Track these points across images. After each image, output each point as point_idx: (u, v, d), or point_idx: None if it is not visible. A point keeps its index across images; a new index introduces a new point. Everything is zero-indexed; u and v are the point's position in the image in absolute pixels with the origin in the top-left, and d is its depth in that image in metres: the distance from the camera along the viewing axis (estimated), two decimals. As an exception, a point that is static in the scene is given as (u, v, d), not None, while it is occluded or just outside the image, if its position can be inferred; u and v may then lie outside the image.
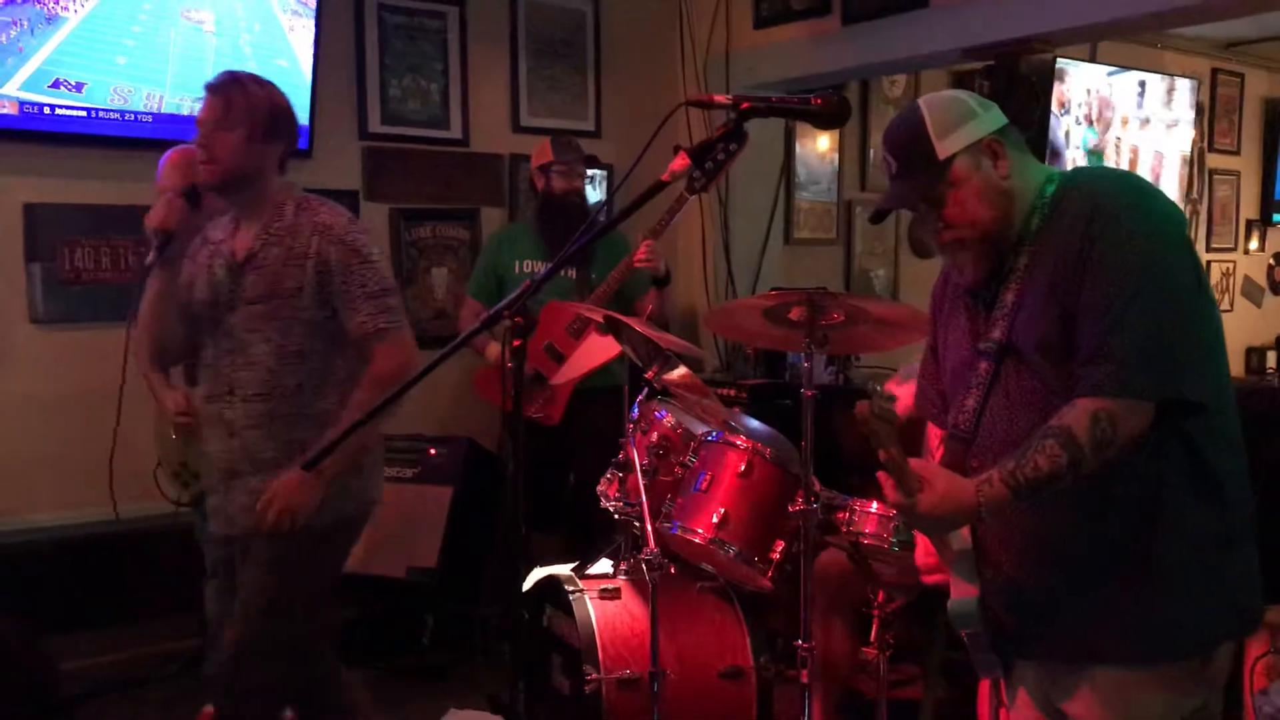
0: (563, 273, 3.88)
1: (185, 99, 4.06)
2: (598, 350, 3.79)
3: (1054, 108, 5.47)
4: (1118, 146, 6.01)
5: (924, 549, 2.00)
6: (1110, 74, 5.91)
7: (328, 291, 2.50)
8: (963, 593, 1.81)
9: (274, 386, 2.51)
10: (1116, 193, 1.71)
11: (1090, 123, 5.79)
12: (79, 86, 3.85)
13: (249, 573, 2.59)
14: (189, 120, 4.01)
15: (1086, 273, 1.65)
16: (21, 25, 3.69)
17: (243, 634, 2.54)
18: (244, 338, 2.52)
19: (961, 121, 1.77)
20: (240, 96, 2.47)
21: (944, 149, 1.75)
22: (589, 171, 4.33)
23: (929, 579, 1.97)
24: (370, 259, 2.53)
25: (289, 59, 4.24)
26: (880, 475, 1.66)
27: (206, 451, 2.63)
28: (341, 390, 2.54)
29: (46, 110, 3.77)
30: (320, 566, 2.63)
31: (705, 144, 1.72)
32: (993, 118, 1.79)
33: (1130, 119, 6.10)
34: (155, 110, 4.02)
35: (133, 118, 3.94)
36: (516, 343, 1.74)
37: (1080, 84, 5.70)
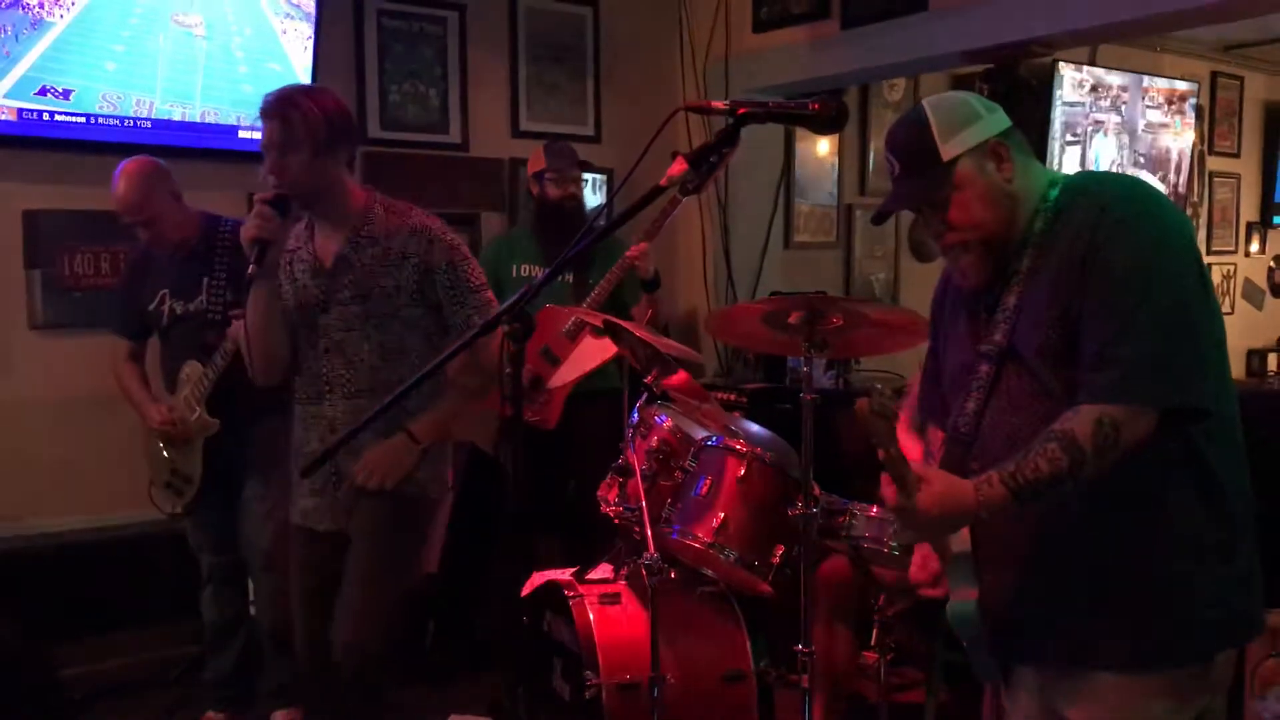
0: (560, 277, 3.89)
1: (176, 105, 4.01)
2: (593, 352, 3.79)
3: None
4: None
5: (919, 563, 2.00)
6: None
7: (428, 290, 2.61)
8: (962, 596, 1.80)
9: (376, 382, 2.60)
10: (1123, 198, 1.70)
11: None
12: (66, 93, 3.80)
13: (353, 560, 2.65)
14: (186, 126, 4.05)
15: (1091, 278, 1.64)
16: (6, 31, 3.64)
17: (358, 621, 2.59)
18: (341, 337, 2.61)
19: (966, 123, 1.76)
20: (296, 116, 2.48)
21: (948, 151, 1.75)
22: (586, 176, 4.33)
23: (925, 593, 1.97)
24: (469, 256, 2.67)
25: (282, 63, 4.19)
26: (884, 477, 1.65)
27: (305, 451, 2.70)
28: (437, 383, 2.63)
29: (46, 117, 3.76)
30: (414, 537, 2.72)
31: (703, 149, 1.71)
32: (997, 120, 1.78)
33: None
34: (147, 116, 3.97)
35: (132, 124, 3.93)
36: (513, 349, 1.74)
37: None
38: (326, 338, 2.63)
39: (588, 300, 3.84)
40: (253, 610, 3.58)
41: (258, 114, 2.54)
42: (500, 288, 4.04)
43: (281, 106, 2.49)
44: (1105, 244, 1.64)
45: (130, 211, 3.26)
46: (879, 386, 1.56)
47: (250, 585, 3.58)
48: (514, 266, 4.06)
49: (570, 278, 3.94)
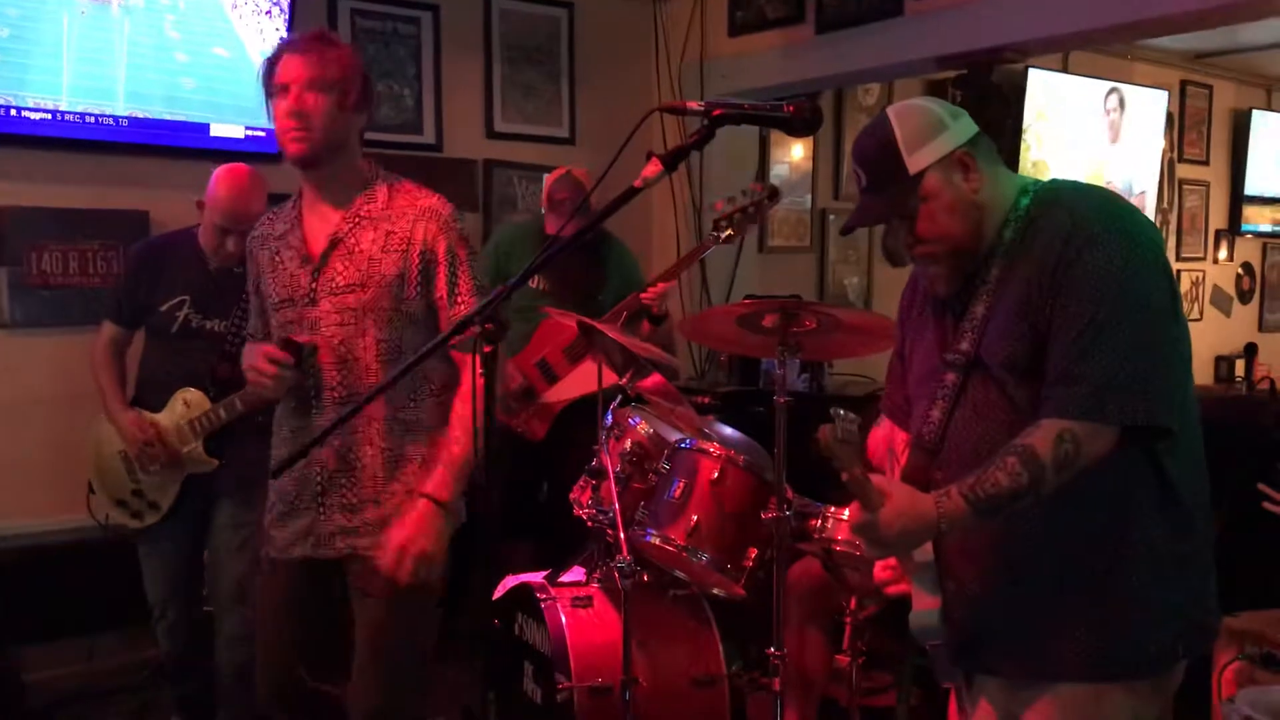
0: (568, 289, 3.83)
1: (93, 105, 3.49)
2: (592, 377, 3.75)
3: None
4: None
5: (883, 561, 2.00)
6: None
7: (433, 282, 2.27)
8: (925, 605, 1.81)
9: (361, 387, 2.24)
10: (1095, 213, 1.69)
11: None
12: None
13: (366, 622, 2.32)
14: (158, 124, 3.98)
15: (1060, 293, 1.64)
16: None
17: (384, 690, 2.31)
18: (332, 333, 2.26)
19: (932, 134, 1.74)
20: (332, 54, 2.20)
21: (915, 163, 1.73)
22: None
23: (889, 591, 1.97)
24: (475, 251, 2.36)
25: (233, 48, 3.64)
26: (854, 505, 1.65)
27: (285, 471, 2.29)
28: (438, 401, 2.33)
29: (13, 113, 3.70)
30: (434, 590, 2.39)
31: (678, 150, 1.71)
32: (963, 128, 1.77)
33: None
34: (52, 110, 3.47)
35: (107, 120, 3.84)
36: (487, 349, 1.73)
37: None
38: (316, 334, 2.27)
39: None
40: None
41: (267, 64, 2.21)
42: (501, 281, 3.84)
43: (316, 41, 2.21)
44: (1075, 259, 1.64)
45: (241, 221, 3.03)
46: (841, 412, 1.55)
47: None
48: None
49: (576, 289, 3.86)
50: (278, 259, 2.34)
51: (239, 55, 3.80)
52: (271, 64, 2.24)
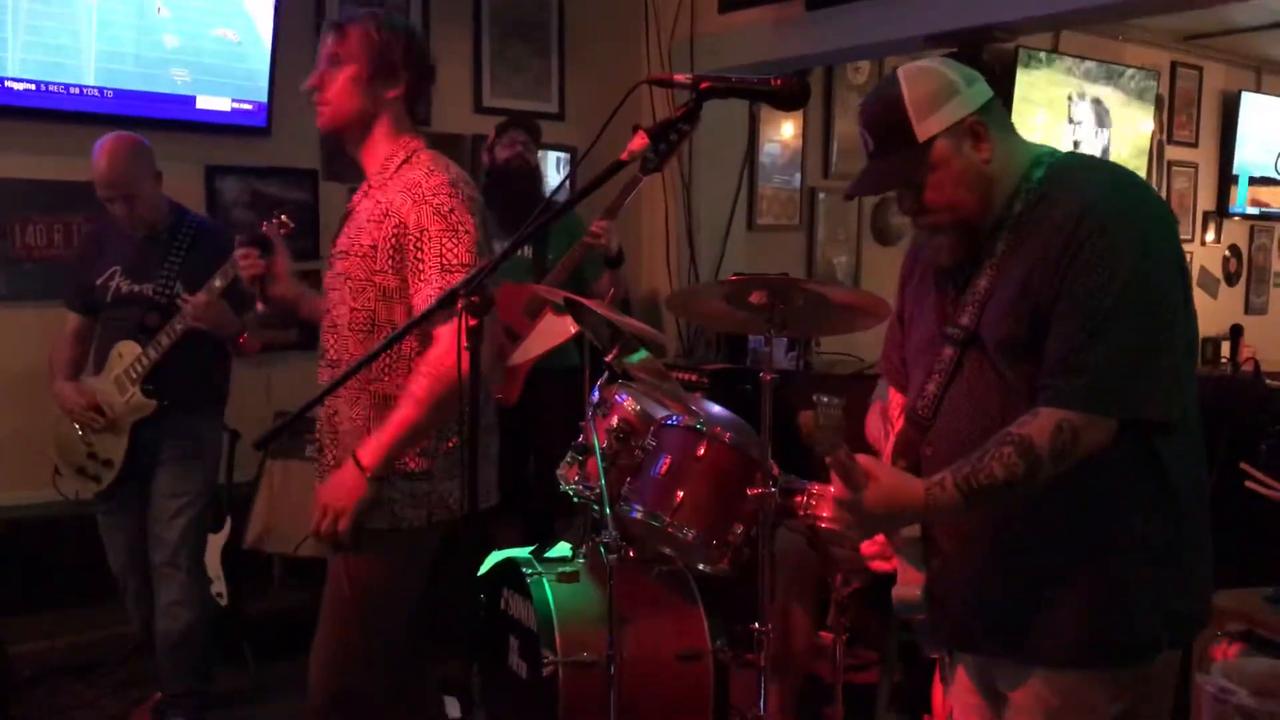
0: (518, 252, 3.86)
1: (42, 86, 3.43)
2: (555, 330, 3.76)
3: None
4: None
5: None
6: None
7: (403, 257, 2.25)
8: (909, 579, 1.81)
9: (342, 353, 2.31)
10: (1110, 195, 1.62)
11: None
12: None
13: (325, 595, 2.39)
14: (143, 96, 3.95)
15: (1067, 277, 1.58)
16: None
17: (320, 666, 2.36)
18: (329, 296, 2.37)
19: (943, 100, 1.67)
20: (356, 32, 2.30)
21: (924, 130, 1.66)
22: (555, 154, 4.31)
23: (875, 566, 1.97)
24: (455, 228, 2.23)
25: (242, 28, 3.60)
26: (833, 476, 1.63)
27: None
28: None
29: (-4, 83, 3.68)
30: (388, 578, 2.36)
31: (664, 124, 1.70)
32: (976, 93, 1.70)
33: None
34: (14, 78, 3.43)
35: (96, 92, 3.82)
36: (474, 322, 1.72)
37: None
38: (327, 296, 2.39)
39: (548, 278, 3.82)
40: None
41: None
42: None
43: (347, 21, 2.33)
44: (1085, 244, 1.57)
45: (111, 186, 3.18)
46: (824, 399, 1.51)
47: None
48: None
49: (529, 252, 3.93)
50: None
51: (249, 37, 3.82)
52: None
